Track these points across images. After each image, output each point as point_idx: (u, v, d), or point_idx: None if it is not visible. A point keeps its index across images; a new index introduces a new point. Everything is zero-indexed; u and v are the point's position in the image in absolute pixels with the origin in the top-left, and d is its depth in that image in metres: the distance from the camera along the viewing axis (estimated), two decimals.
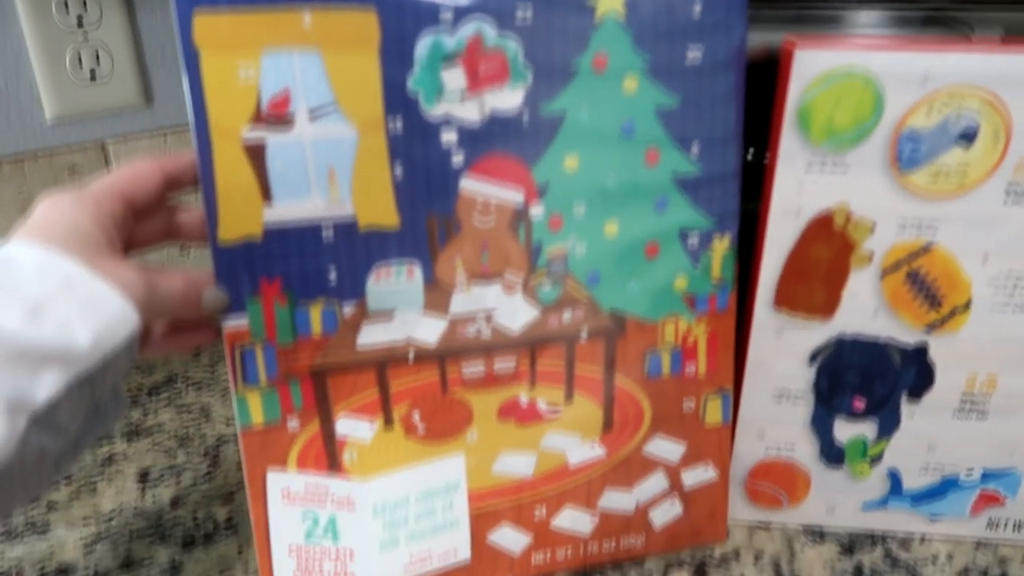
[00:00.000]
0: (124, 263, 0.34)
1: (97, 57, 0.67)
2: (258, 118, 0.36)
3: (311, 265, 0.39)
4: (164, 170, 0.37)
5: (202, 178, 0.36)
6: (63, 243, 0.33)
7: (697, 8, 0.38)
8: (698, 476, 0.47)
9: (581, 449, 0.45)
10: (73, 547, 0.49)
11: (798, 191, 0.39)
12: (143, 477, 0.55)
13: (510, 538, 0.46)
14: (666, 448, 0.46)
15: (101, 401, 0.35)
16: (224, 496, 0.53)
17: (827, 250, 0.41)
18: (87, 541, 0.50)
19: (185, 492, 0.54)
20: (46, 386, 0.31)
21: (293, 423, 0.41)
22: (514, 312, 0.42)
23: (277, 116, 0.36)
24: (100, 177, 0.36)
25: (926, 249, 0.40)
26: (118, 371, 0.34)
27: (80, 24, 0.65)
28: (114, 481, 0.55)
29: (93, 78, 0.67)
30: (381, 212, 0.38)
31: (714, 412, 0.46)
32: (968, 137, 0.37)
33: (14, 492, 0.32)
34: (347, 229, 0.38)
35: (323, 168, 0.37)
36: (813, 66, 0.37)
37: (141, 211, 0.37)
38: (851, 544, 0.48)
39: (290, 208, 0.37)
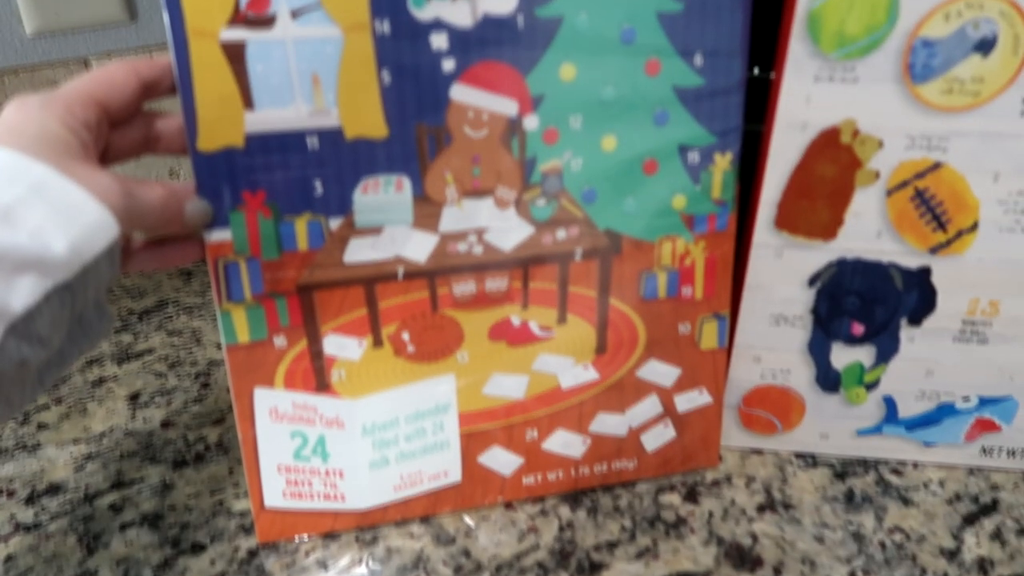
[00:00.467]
0: (99, 170, 0.32)
1: None
2: (237, 17, 0.34)
3: (296, 176, 0.37)
4: (140, 74, 0.35)
5: (180, 82, 0.34)
6: (33, 148, 0.31)
7: None
8: (692, 400, 0.46)
9: (574, 371, 0.44)
10: (64, 466, 0.49)
11: (805, 104, 0.38)
12: (134, 399, 0.55)
13: (501, 460, 0.45)
14: (660, 372, 0.45)
15: (84, 314, 0.34)
16: (215, 418, 0.53)
17: (832, 167, 0.39)
18: (78, 460, 0.50)
19: (176, 414, 0.53)
20: (22, 294, 0.29)
21: (280, 341, 0.40)
22: (507, 229, 0.40)
23: (257, 15, 0.34)
24: (72, 81, 0.34)
25: (934, 168, 0.38)
26: (99, 282, 0.33)
27: None
28: (104, 403, 0.55)
29: None
30: (368, 121, 0.37)
31: (710, 336, 0.45)
32: (986, 46, 0.36)
33: None
34: (333, 139, 0.37)
35: (307, 73, 0.35)
36: None
37: (117, 118, 0.35)
38: (843, 470, 0.47)
39: (273, 116, 0.36)
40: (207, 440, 0.51)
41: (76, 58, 0.67)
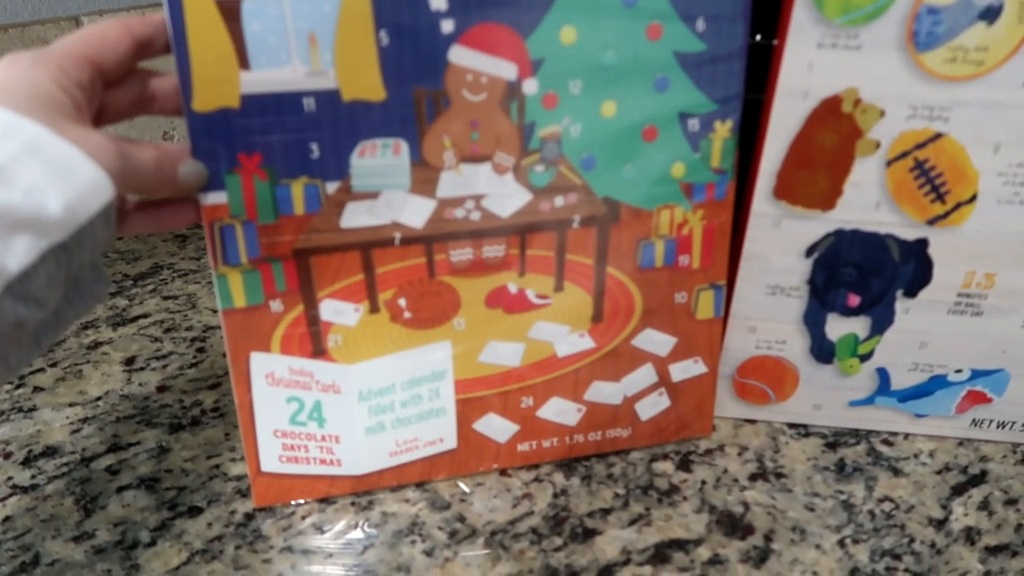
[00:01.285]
0: (93, 130, 0.32)
1: None
2: None
3: (292, 139, 0.37)
4: (133, 32, 0.34)
5: (174, 40, 0.34)
6: (25, 106, 0.30)
7: None
8: (687, 370, 0.46)
9: (570, 340, 0.44)
10: (60, 429, 0.49)
11: (807, 71, 0.37)
12: (129, 363, 0.55)
13: (496, 427, 0.46)
14: (656, 341, 0.45)
15: (80, 275, 0.34)
16: (211, 383, 0.53)
17: (833, 136, 0.39)
18: (74, 423, 0.50)
19: (172, 378, 0.54)
20: (17, 254, 0.29)
21: (276, 305, 0.40)
22: (505, 195, 0.40)
23: None
24: (64, 39, 0.34)
25: (935, 139, 0.38)
26: (95, 243, 0.32)
27: None
28: (100, 366, 0.55)
29: None
30: (366, 83, 0.36)
31: (706, 306, 0.45)
32: (991, 14, 0.35)
33: None
34: (330, 101, 0.36)
35: (304, 32, 0.35)
36: None
37: (110, 78, 0.35)
38: (835, 440, 0.48)
39: (269, 76, 0.35)
40: (203, 404, 0.51)
41: (67, 16, 0.66)
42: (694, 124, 0.40)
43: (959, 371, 0.45)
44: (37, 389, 0.52)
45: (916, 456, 0.47)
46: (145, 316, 0.60)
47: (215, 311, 0.60)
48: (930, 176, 0.39)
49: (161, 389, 0.53)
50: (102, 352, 0.56)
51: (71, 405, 0.51)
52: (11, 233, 0.29)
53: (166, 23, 0.34)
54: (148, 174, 0.34)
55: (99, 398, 0.52)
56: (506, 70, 0.37)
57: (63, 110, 0.31)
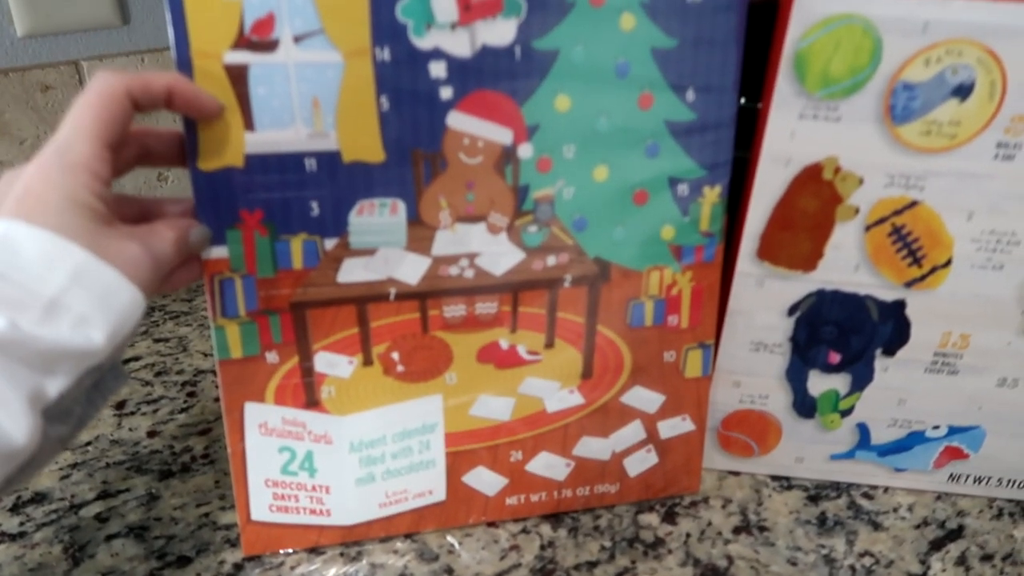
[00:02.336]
0: (125, 237, 0.33)
1: None
2: (241, 40, 0.34)
3: (293, 197, 0.38)
4: (133, 97, 0.34)
5: None
6: (64, 223, 0.31)
7: None
8: (675, 427, 0.47)
9: (559, 395, 0.45)
10: (49, 474, 0.49)
11: (790, 139, 0.39)
12: (119, 407, 0.55)
13: (485, 480, 0.46)
14: (644, 398, 0.46)
15: (103, 378, 0.35)
16: (201, 428, 0.53)
17: (814, 201, 0.40)
18: (63, 469, 0.50)
19: (162, 423, 0.54)
20: (58, 381, 0.31)
21: (272, 357, 0.41)
22: (498, 254, 0.41)
23: (261, 39, 0.34)
24: (73, 118, 0.33)
25: (912, 206, 0.40)
26: (121, 349, 0.34)
27: None
28: None
29: None
30: (366, 145, 0.37)
31: (694, 365, 0.46)
32: (964, 91, 0.37)
33: (26, 473, 0.32)
34: (331, 161, 0.37)
35: (307, 96, 0.36)
36: (813, 10, 0.36)
37: (115, 146, 0.35)
38: (817, 493, 0.49)
39: (273, 137, 0.36)
40: (193, 451, 0.51)
41: (67, 60, 0.67)
42: (684, 189, 0.42)
43: (936, 427, 0.47)
44: None
45: (895, 510, 0.48)
46: (136, 359, 0.60)
47: (206, 355, 0.61)
48: (907, 241, 0.41)
49: (151, 434, 0.53)
50: None
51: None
52: (56, 364, 0.31)
53: (163, 83, 0.34)
54: (171, 259, 0.35)
55: (89, 443, 0.52)
56: (502, 135, 0.39)
57: (96, 217, 0.32)
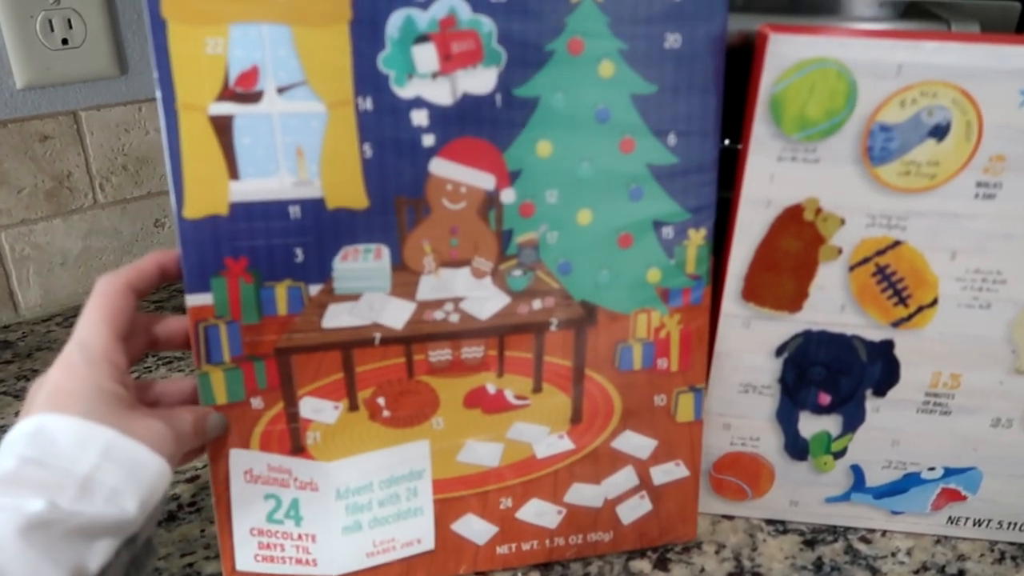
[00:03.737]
0: (149, 416, 0.36)
1: (69, 24, 0.65)
2: (226, 92, 0.35)
3: (278, 244, 0.38)
4: (133, 287, 0.38)
5: (168, 151, 0.36)
6: (92, 409, 0.34)
7: None
8: (668, 473, 0.46)
9: (549, 441, 0.45)
10: None
11: (769, 182, 0.39)
12: None
13: (475, 528, 0.45)
14: (636, 443, 0.46)
15: (138, 555, 0.36)
16: (188, 476, 0.52)
17: (797, 242, 0.41)
18: None
19: None
20: (98, 555, 0.33)
21: (257, 402, 0.41)
22: (483, 299, 0.41)
23: (245, 90, 0.35)
24: (87, 319, 0.37)
25: (894, 246, 0.40)
26: (154, 521, 0.36)
27: None
28: None
29: (65, 44, 0.66)
30: (349, 192, 0.38)
31: (686, 408, 0.45)
32: (940, 132, 0.38)
33: None
34: (315, 208, 0.38)
35: (291, 145, 0.36)
36: (787, 54, 0.37)
37: (126, 336, 0.38)
38: (813, 537, 0.48)
39: (257, 185, 0.37)
40: (180, 499, 0.50)
41: (66, 111, 0.69)
42: (668, 232, 0.42)
43: (932, 469, 0.46)
44: None
45: (894, 555, 0.47)
46: None
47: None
48: (892, 281, 0.41)
49: None
50: None
51: None
52: (94, 538, 0.33)
53: (152, 263, 0.38)
54: (190, 439, 0.38)
55: None
56: (484, 181, 0.39)
57: (123, 402, 0.36)
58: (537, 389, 0.44)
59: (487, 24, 0.37)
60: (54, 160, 0.70)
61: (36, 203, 0.70)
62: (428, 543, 0.45)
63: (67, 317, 0.74)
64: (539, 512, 0.46)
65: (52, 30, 0.65)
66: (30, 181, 0.68)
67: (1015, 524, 0.47)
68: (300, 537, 0.43)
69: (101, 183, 0.74)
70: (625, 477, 0.46)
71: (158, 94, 0.34)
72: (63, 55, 0.66)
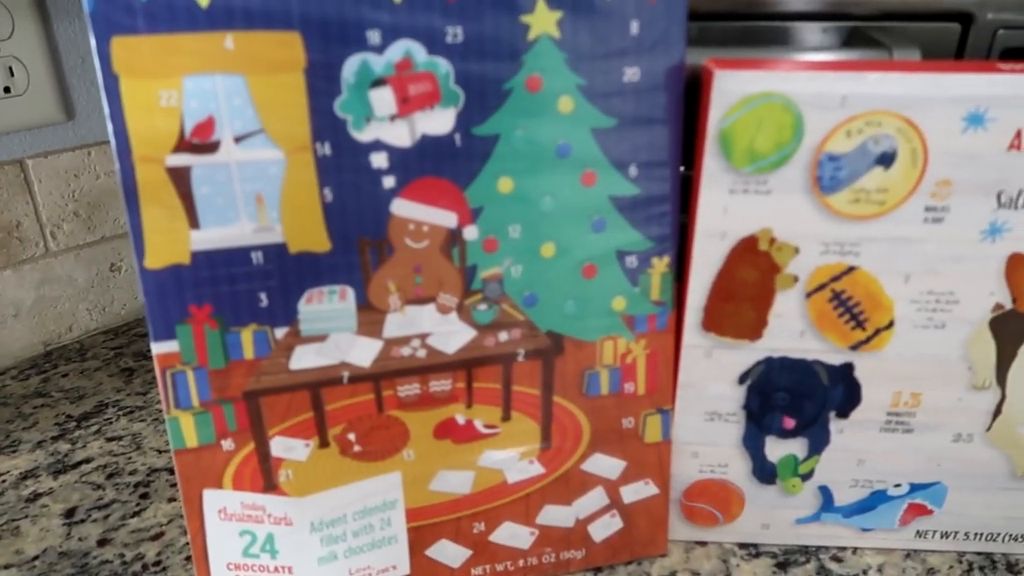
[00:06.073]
0: None
1: (11, 71, 0.65)
2: (182, 143, 0.35)
3: (241, 290, 0.38)
4: None
5: (127, 205, 0.36)
6: None
7: (634, 27, 0.38)
8: (638, 492, 0.47)
9: (519, 466, 0.45)
10: None
11: (723, 214, 0.40)
12: (69, 515, 0.54)
13: (449, 552, 0.46)
14: (605, 465, 0.46)
15: None
16: (154, 533, 0.52)
17: (753, 272, 0.41)
18: None
19: (113, 529, 0.52)
20: None
21: (228, 444, 0.41)
22: (449, 333, 0.42)
23: (202, 141, 0.36)
24: None
25: (849, 271, 0.41)
26: None
27: None
28: (38, 521, 0.53)
29: (7, 93, 0.65)
30: (311, 236, 0.38)
31: (654, 430, 0.46)
32: (887, 160, 0.38)
33: None
34: (277, 253, 0.38)
35: (251, 193, 0.37)
36: (733, 90, 0.38)
37: None
38: (785, 559, 0.48)
39: (218, 233, 0.37)
40: (145, 558, 0.50)
41: (11, 160, 0.68)
42: (632, 261, 0.42)
43: (898, 485, 0.47)
44: None
45: (865, 572, 0.47)
46: (88, 461, 0.59)
47: (160, 451, 0.60)
48: (848, 306, 0.42)
49: (102, 543, 0.51)
50: (41, 505, 0.55)
51: (6, 567, 0.49)
52: None
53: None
54: None
55: (36, 557, 0.50)
56: (446, 219, 0.40)
57: None
58: (506, 418, 0.44)
59: (443, 65, 0.37)
60: (1, 210, 0.68)
61: None
62: (403, 569, 0.45)
63: (22, 370, 0.72)
64: (512, 534, 0.46)
65: None
66: None
67: (981, 535, 0.48)
68: (277, 570, 0.43)
69: (52, 231, 0.72)
70: (596, 497, 0.47)
71: (113, 148, 0.35)
72: (6, 103, 0.65)
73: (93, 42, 0.33)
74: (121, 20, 0.33)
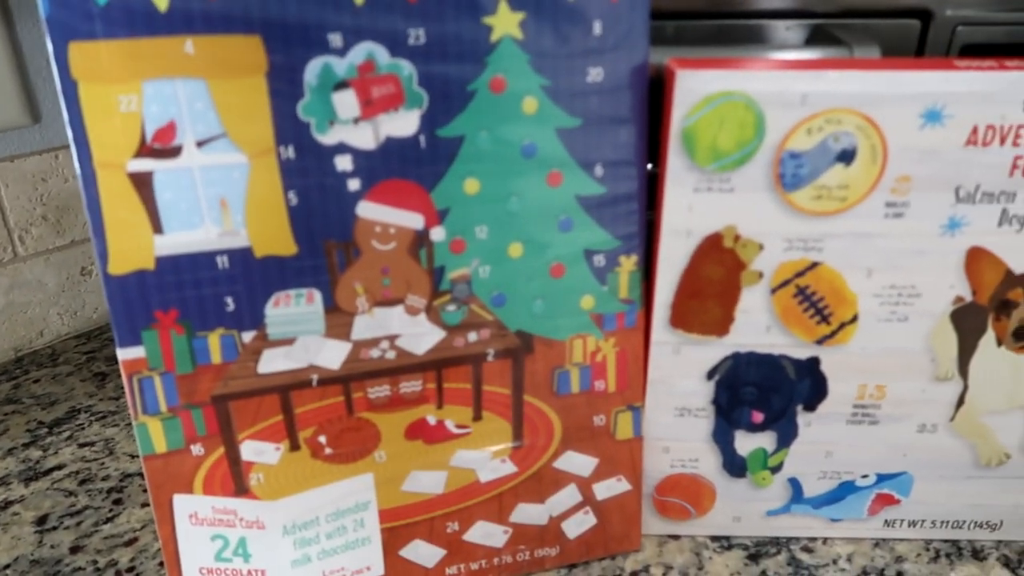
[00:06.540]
0: None
1: None
2: (143, 149, 0.35)
3: (207, 294, 0.38)
4: None
5: (88, 210, 0.36)
6: None
7: (597, 28, 0.38)
8: (611, 488, 0.48)
9: (491, 465, 0.45)
10: None
11: (688, 212, 0.40)
12: (41, 522, 0.53)
13: (423, 552, 0.46)
14: (577, 462, 0.47)
15: None
16: (127, 539, 0.52)
17: (719, 269, 0.42)
18: None
19: (86, 536, 0.52)
20: None
21: (197, 449, 0.41)
22: (418, 335, 0.42)
23: (163, 146, 0.35)
24: None
25: (812, 267, 0.42)
26: None
27: None
28: (10, 529, 0.53)
29: None
30: (277, 240, 0.38)
31: (625, 427, 0.46)
32: (847, 156, 0.39)
33: None
34: (243, 257, 0.38)
35: (215, 197, 0.37)
36: (695, 89, 0.38)
37: None
38: (757, 551, 0.49)
39: (182, 238, 0.37)
40: (118, 565, 0.50)
41: None
42: (600, 260, 0.43)
43: (865, 476, 0.47)
44: None
45: (835, 562, 0.48)
46: (60, 468, 0.59)
47: (133, 456, 0.59)
48: (813, 300, 0.42)
49: (74, 550, 0.51)
50: (13, 513, 0.54)
51: None
52: None
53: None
54: None
55: (7, 566, 0.50)
56: (413, 221, 0.40)
57: None
58: (477, 417, 0.44)
59: (407, 67, 0.37)
60: None
61: None
62: (378, 569, 0.45)
63: None
64: (486, 533, 0.46)
65: None
66: None
67: (947, 522, 0.49)
68: (250, 573, 0.43)
69: (20, 235, 0.72)
70: (568, 495, 0.47)
71: (73, 154, 0.34)
72: None
73: (50, 47, 0.33)
74: (78, 25, 0.33)
